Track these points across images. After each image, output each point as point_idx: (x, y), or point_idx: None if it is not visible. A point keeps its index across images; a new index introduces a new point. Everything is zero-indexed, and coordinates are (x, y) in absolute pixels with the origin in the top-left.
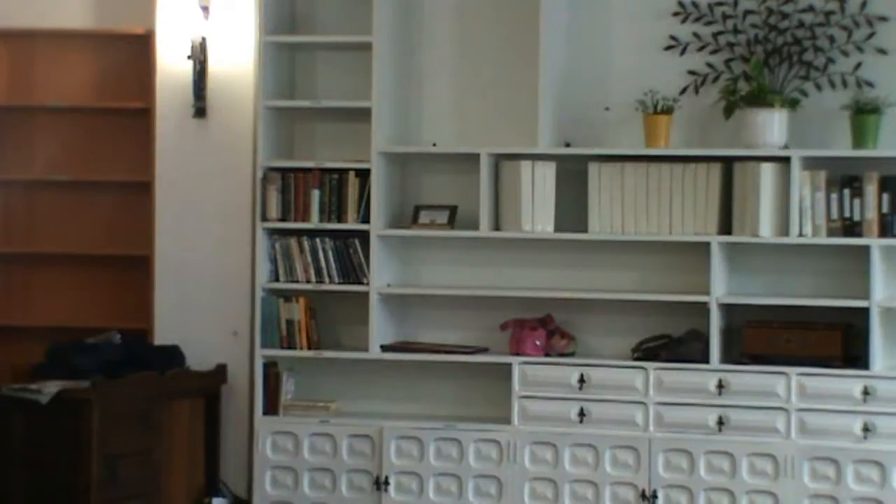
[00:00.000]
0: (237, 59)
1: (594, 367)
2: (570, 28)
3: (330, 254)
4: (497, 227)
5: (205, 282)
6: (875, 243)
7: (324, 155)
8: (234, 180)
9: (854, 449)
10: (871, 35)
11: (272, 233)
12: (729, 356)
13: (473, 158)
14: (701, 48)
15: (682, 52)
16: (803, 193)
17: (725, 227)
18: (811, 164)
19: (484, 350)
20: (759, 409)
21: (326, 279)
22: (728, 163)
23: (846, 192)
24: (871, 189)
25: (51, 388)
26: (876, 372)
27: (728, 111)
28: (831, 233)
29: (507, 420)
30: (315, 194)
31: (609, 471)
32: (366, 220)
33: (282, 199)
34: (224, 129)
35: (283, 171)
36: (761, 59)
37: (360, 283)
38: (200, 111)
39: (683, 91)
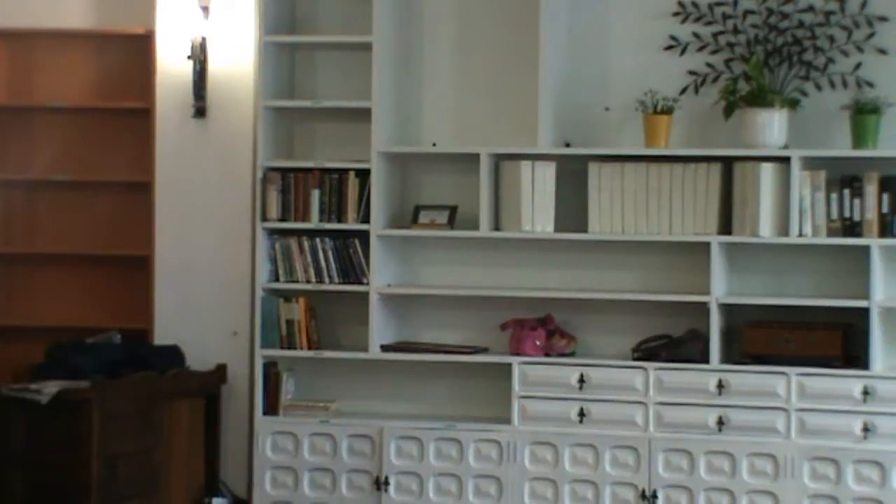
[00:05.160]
0: (237, 59)
1: (594, 367)
2: (570, 28)
3: (330, 254)
4: (497, 227)
5: (205, 282)
6: (875, 243)
7: (324, 155)
8: (234, 180)
9: (854, 449)
10: (871, 35)
11: (272, 233)
12: (729, 356)
13: (473, 158)
14: (701, 48)
15: (682, 52)
16: (803, 193)
17: (725, 227)
18: (811, 164)
19: (484, 350)
20: (759, 409)
21: (326, 279)
22: (728, 163)
23: (846, 192)
24: (871, 189)
25: (51, 388)
26: (876, 372)
27: (728, 111)
28: (831, 233)
29: (507, 420)
30: (315, 194)
31: (609, 471)
32: (366, 220)
33: (282, 199)
34: (224, 129)
35: (283, 171)
36: (760, 60)
37: (360, 283)
38: (200, 111)
39: (683, 91)
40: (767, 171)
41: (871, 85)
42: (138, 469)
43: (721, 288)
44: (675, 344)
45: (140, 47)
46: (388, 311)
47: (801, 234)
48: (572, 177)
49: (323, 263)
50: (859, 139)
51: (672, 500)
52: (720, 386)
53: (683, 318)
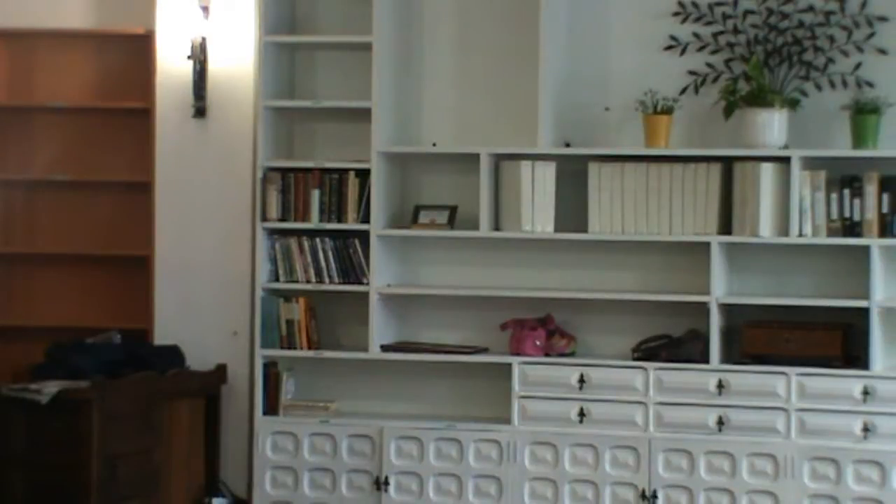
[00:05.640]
0: (237, 59)
1: (594, 367)
2: (570, 28)
3: (330, 254)
4: (497, 227)
5: (205, 282)
6: (875, 243)
7: (324, 155)
8: (234, 180)
9: (854, 449)
10: (871, 35)
11: (272, 233)
12: (729, 356)
13: (473, 158)
14: (701, 48)
15: (682, 52)
16: (803, 193)
17: (725, 227)
18: (811, 164)
19: (484, 350)
20: (759, 409)
21: (326, 279)
22: (728, 163)
23: (846, 192)
24: (871, 189)
25: (51, 388)
26: (876, 372)
27: (728, 111)
28: (831, 233)
29: (507, 420)
30: (315, 194)
31: (609, 471)
32: (366, 220)
33: (282, 199)
34: (224, 129)
35: (283, 171)
36: (760, 60)
37: (360, 283)
38: (200, 111)
39: (683, 91)
40: (767, 171)
41: (871, 85)
42: (138, 469)
43: (721, 288)
44: (675, 344)
45: (140, 47)
46: (388, 311)
47: (801, 234)
48: (572, 177)
49: (323, 263)
50: (859, 139)
51: (672, 500)
52: (720, 386)
53: (683, 318)
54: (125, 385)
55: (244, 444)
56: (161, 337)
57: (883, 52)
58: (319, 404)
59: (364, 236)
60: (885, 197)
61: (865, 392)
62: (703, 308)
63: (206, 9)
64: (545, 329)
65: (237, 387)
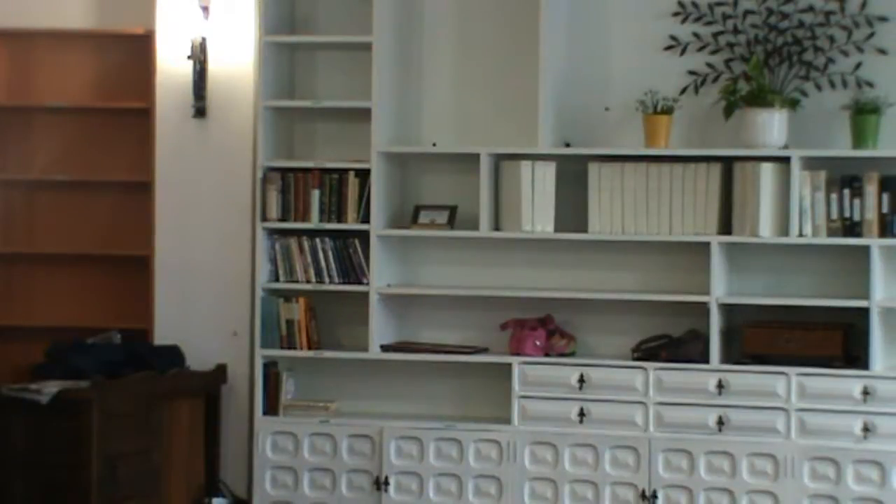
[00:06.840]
0: (237, 59)
1: (594, 367)
2: (570, 28)
3: (330, 254)
4: (497, 227)
5: (205, 282)
6: (875, 243)
7: (324, 155)
8: (234, 180)
9: (854, 449)
10: (871, 35)
11: (272, 233)
12: (729, 356)
13: (473, 158)
14: (701, 48)
15: (682, 52)
16: (803, 193)
17: (725, 227)
18: (811, 164)
19: (484, 350)
20: (759, 409)
21: (326, 279)
22: (728, 163)
23: (846, 192)
24: (871, 189)
25: (51, 388)
26: (876, 372)
27: (728, 111)
28: (831, 233)
29: (507, 420)
30: (315, 194)
31: (609, 471)
32: (366, 220)
33: (282, 199)
34: (224, 129)
35: (283, 171)
36: (760, 60)
37: (360, 283)
38: (200, 111)
39: (683, 91)
40: (767, 171)
41: (871, 85)
42: (138, 469)
43: (721, 288)
44: (675, 344)
45: (140, 47)
46: (388, 311)
47: (801, 234)
48: (572, 177)
49: (323, 263)
50: (859, 139)
51: (672, 500)
52: (720, 386)
53: (683, 318)
54: (125, 385)
55: (244, 444)
56: (161, 337)
57: (883, 52)
58: (319, 404)
59: (364, 236)
60: (885, 197)
61: (865, 392)
62: (703, 308)
63: (206, 9)
64: (545, 329)
65: (237, 387)
